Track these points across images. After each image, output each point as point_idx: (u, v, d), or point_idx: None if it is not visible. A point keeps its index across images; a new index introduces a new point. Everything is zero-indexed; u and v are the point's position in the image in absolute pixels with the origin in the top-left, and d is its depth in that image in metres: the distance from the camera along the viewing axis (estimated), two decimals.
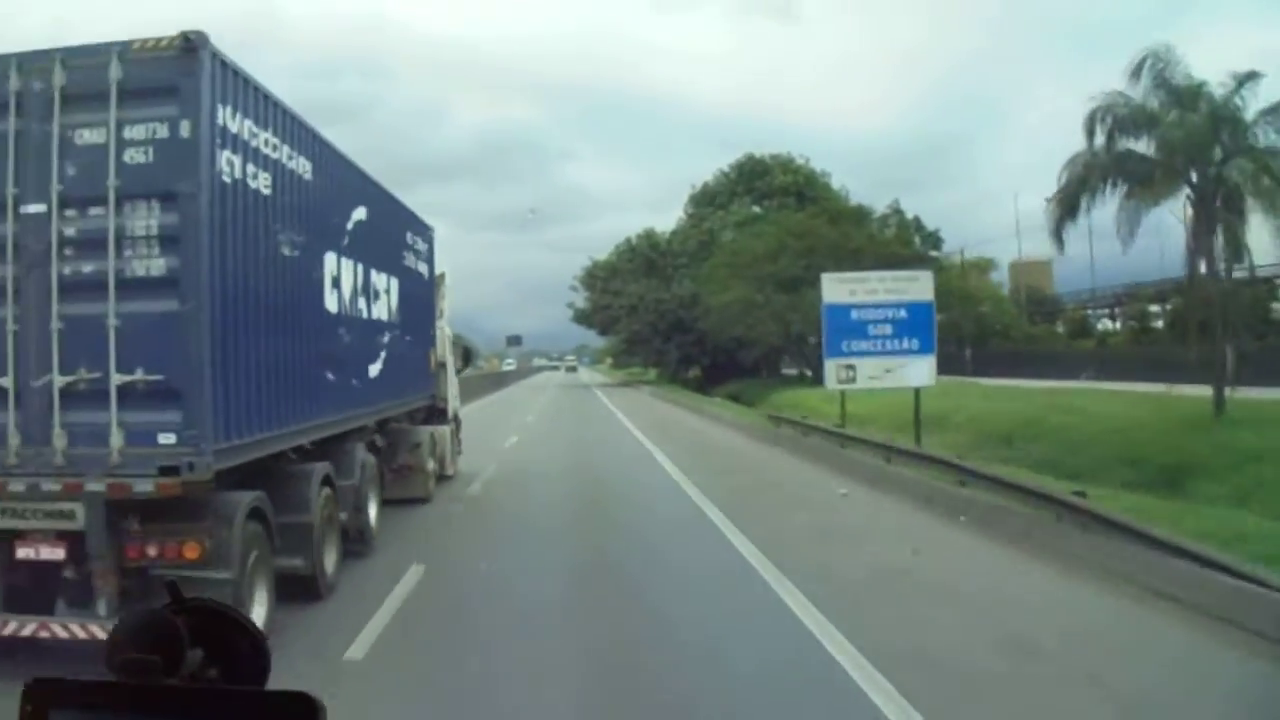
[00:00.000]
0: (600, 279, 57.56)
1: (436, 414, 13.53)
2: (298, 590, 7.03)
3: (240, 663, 1.20)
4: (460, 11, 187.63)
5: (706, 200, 53.98)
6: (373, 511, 9.49)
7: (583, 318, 60.47)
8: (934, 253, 42.15)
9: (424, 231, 12.63)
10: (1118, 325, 43.53)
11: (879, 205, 44.61)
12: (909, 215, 44.46)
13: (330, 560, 7.70)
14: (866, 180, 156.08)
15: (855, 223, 40.29)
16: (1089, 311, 46.97)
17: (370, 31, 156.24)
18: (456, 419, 15.12)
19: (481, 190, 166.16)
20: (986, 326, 40.54)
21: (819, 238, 36.38)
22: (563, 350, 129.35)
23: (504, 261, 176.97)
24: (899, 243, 39.27)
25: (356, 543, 8.82)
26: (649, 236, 57.00)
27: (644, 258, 55.73)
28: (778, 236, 39.09)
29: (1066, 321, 46.64)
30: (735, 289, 38.72)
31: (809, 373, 36.64)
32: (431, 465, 12.66)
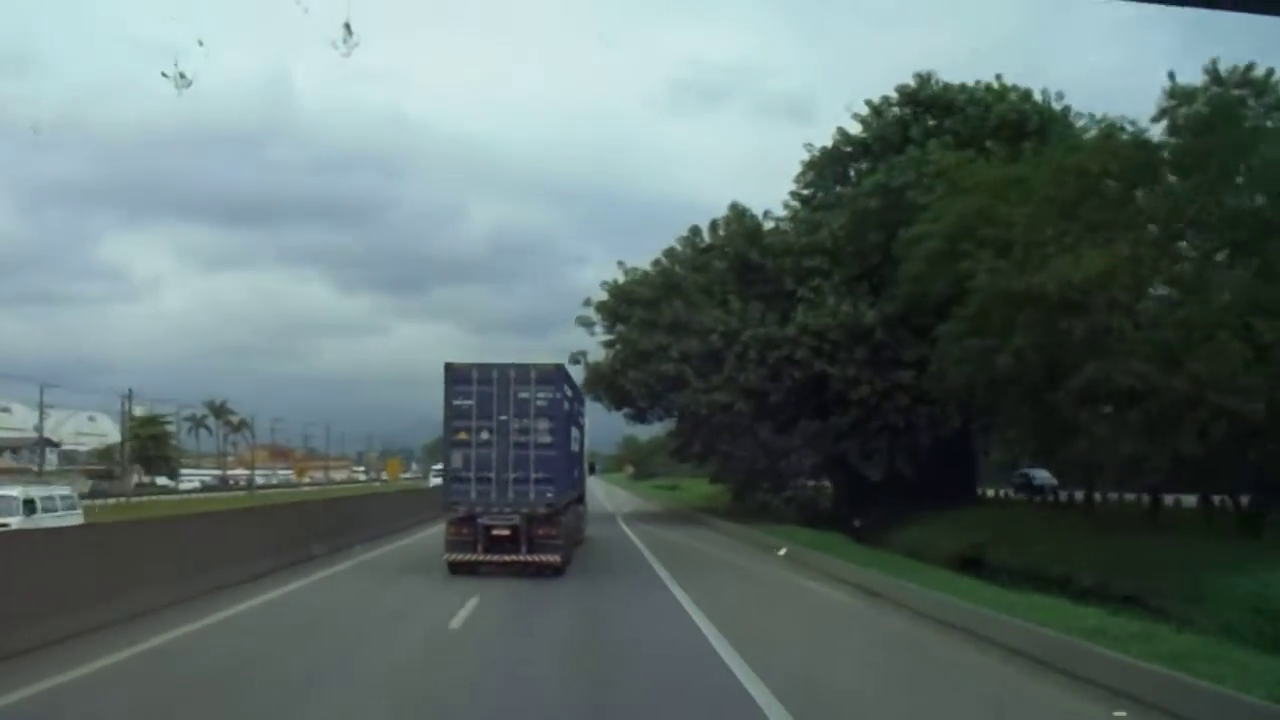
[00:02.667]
0: (636, 303, 31.26)
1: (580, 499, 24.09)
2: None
3: None
4: (480, 113, 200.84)
5: (834, 165, 33.12)
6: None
7: (599, 380, 31.67)
8: None
9: (580, 392, 23.90)
10: None
11: None
12: None
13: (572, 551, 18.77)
14: None
15: None
16: None
17: (389, 126, 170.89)
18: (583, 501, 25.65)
19: (494, 293, 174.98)
20: None
21: None
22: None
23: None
24: None
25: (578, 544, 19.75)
26: (739, 217, 31.92)
27: (730, 257, 30.85)
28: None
29: None
30: (1089, 257, 20.45)
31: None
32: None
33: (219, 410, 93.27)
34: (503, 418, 16.55)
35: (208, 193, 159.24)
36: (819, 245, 30.64)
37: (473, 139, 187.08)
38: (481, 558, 16.41)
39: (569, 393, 18.59)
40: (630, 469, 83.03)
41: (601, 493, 38.90)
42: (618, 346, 32.42)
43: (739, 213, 32.90)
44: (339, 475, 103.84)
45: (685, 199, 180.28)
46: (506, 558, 16.31)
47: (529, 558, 16.31)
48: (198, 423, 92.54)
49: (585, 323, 33.76)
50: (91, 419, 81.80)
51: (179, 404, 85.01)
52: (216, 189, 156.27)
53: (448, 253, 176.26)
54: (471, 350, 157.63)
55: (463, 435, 16.56)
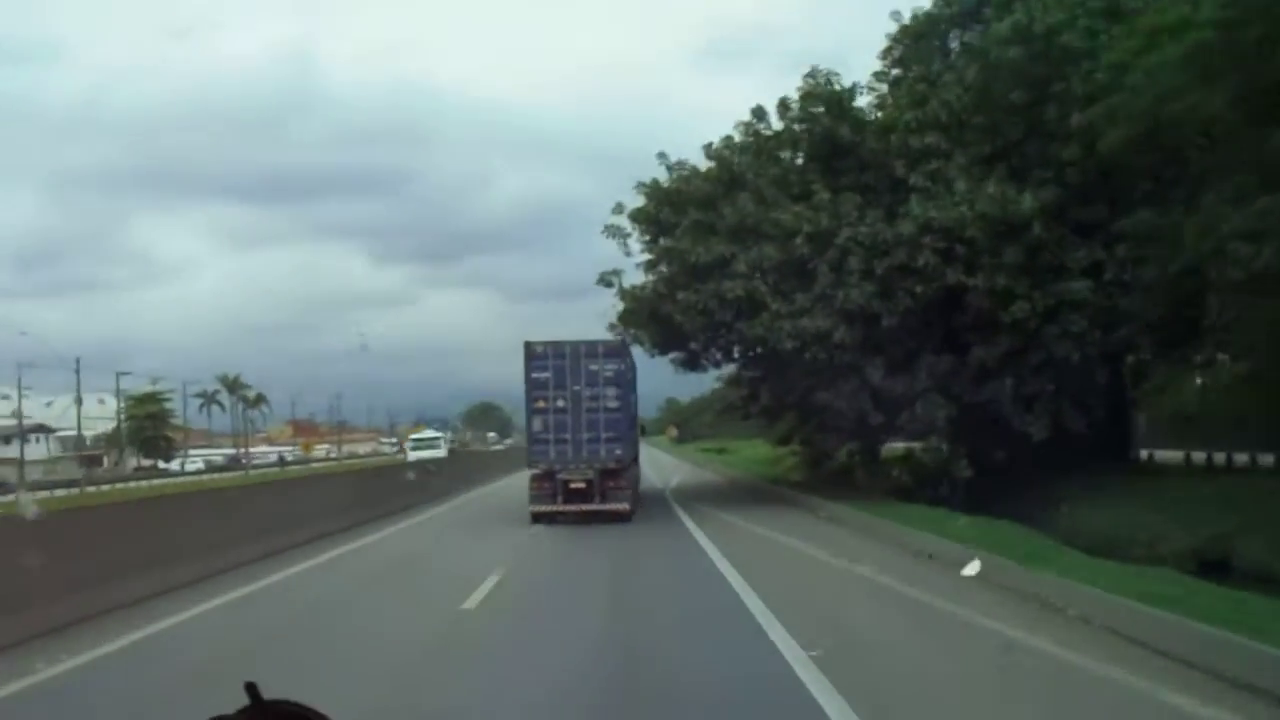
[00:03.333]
0: (688, 202, 23.39)
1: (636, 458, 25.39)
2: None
3: None
4: (505, 78, 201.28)
5: (933, 35, 25.62)
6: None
7: (638, 311, 23.94)
8: None
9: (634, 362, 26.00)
10: None
11: None
12: None
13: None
14: None
15: None
16: None
17: (414, 97, 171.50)
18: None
19: (529, 259, 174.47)
20: None
21: None
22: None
23: (551, 333, 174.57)
24: None
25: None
26: (821, 86, 23.38)
27: (811, 139, 23.47)
28: None
29: None
30: None
31: None
32: None
33: (233, 385, 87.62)
34: (575, 388, 19.22)
35: (236, 172, 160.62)
36: (931, 120, 21.84)
37: (501, 105, 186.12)
38: (560, 508, 19.13)
39: (630, 364, 21.21)
40: (673, 431, 74.87)
41: (644, 458, 29.48)
42: (662, 266, 23.41)
43: (821, 80, 23.24)
44: (364, 448, 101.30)
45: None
46: (583, 507, 19.02)
47: (601, 506, 19.03)
48: (209, 399, 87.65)
49: (616, 234, 24.45)
50: (101, 401, 77.37)
51: (187, 380, 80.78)
52: (245, 168, 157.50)
53: (480, 221, 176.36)
54: (509, 318, 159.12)
55: (541, 404, 19.25)
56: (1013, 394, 21.30)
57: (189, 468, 71.31)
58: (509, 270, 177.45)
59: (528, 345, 19.45)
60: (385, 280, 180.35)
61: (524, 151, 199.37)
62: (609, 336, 21.49)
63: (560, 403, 19.19)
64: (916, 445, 26.15)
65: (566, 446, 19.15)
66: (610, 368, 19.38)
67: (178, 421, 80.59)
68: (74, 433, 70.51)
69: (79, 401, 66.07)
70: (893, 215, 21.42)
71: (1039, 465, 21.45)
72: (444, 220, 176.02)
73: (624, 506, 19.24)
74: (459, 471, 36.60)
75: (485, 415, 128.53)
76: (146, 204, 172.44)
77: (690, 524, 19.10)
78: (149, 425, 75.15)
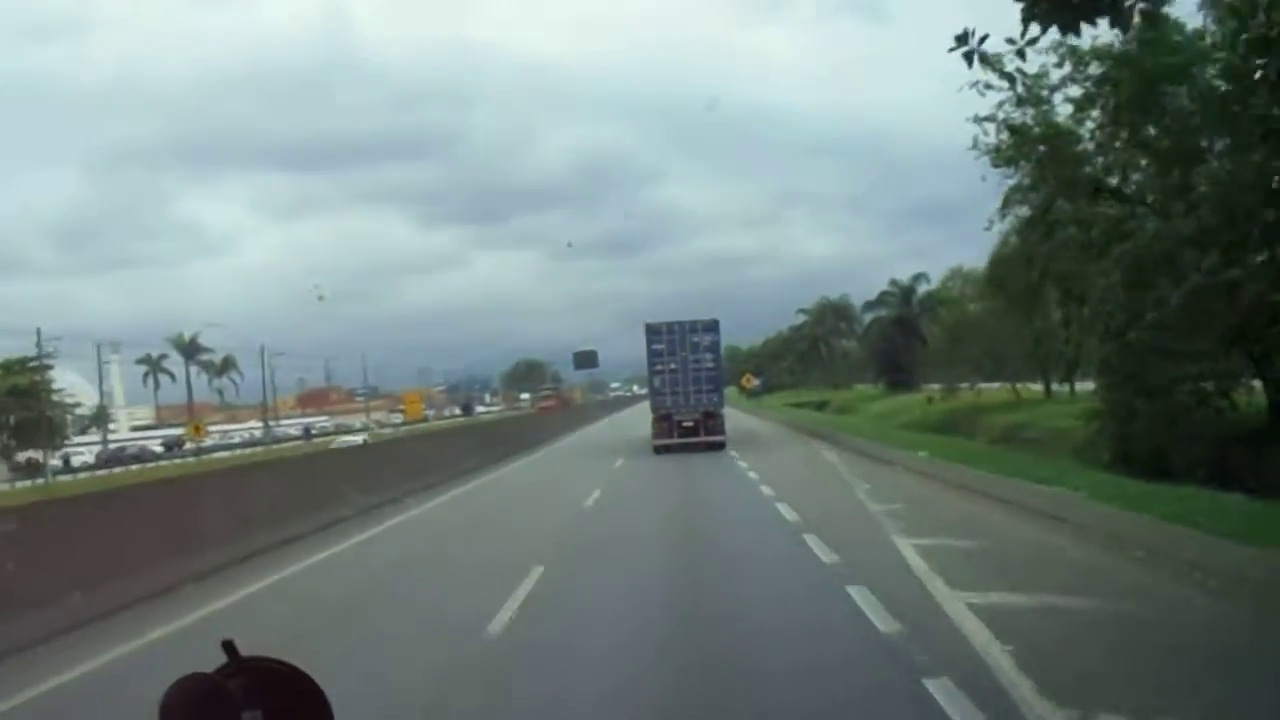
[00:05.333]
0: None
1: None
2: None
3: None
4: (546, 33, 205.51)
5: None
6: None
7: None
8: None
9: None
10: None
11: None
12: None
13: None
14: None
15: None
16: None
17: (454, 56, 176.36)
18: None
19: (576, 216, 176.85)
20: None
21: None
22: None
23: (600, 288, 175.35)
24: None
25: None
26: None
27: None
28: None
29: None
30: None
31: None
32: None
33: (188, 347, 69.91)
34: (683, 354, 27.06)
35: (280, 141, 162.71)
36: None
37: (541, 60, 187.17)
38: (675, 440, 27.03)
39: (719, 336, 29.04)
40: (752, 381, 56.62)
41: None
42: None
43: None
44: (377, 416, 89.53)
45: (761, 107, 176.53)
46: (691, 440, 26.91)
47: (705, 439, 26.92)
48: (155, 365, 70.76)
49: None
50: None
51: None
52: (289, 135, 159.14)
53: (526, 179, 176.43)
54: (555, 275, 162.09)
55: (659, 367, 27.17)
56: None
57: (79, 460, 55.77)
58: (557, 227, 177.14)
59: (648, 326, 27.28)
60: (433, 243, 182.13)
61: (566, 109, 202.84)
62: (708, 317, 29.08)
63: (673, 365, 27.07)
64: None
65: (680, 396, 27.05)
66: (707, 339, 27.21)
67: (62, 398, 56.78)
68: None
69: None
70: None
71: None
72: (490, 179, 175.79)
73: (721, 438, 27.07)
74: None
75: (529, 374, 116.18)
76: (189, 176, 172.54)
77: None
78: (14, 405, 51.64)
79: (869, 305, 69.93)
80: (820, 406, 52.03)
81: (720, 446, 26.93)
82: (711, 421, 27.18)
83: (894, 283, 65.74)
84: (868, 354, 69.24)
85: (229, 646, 1.25)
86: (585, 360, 55.60)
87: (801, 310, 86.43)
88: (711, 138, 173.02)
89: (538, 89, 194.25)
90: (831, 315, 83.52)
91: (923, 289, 63.80)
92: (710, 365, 27.29)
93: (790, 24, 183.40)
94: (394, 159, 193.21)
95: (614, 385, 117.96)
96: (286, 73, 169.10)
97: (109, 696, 6.49)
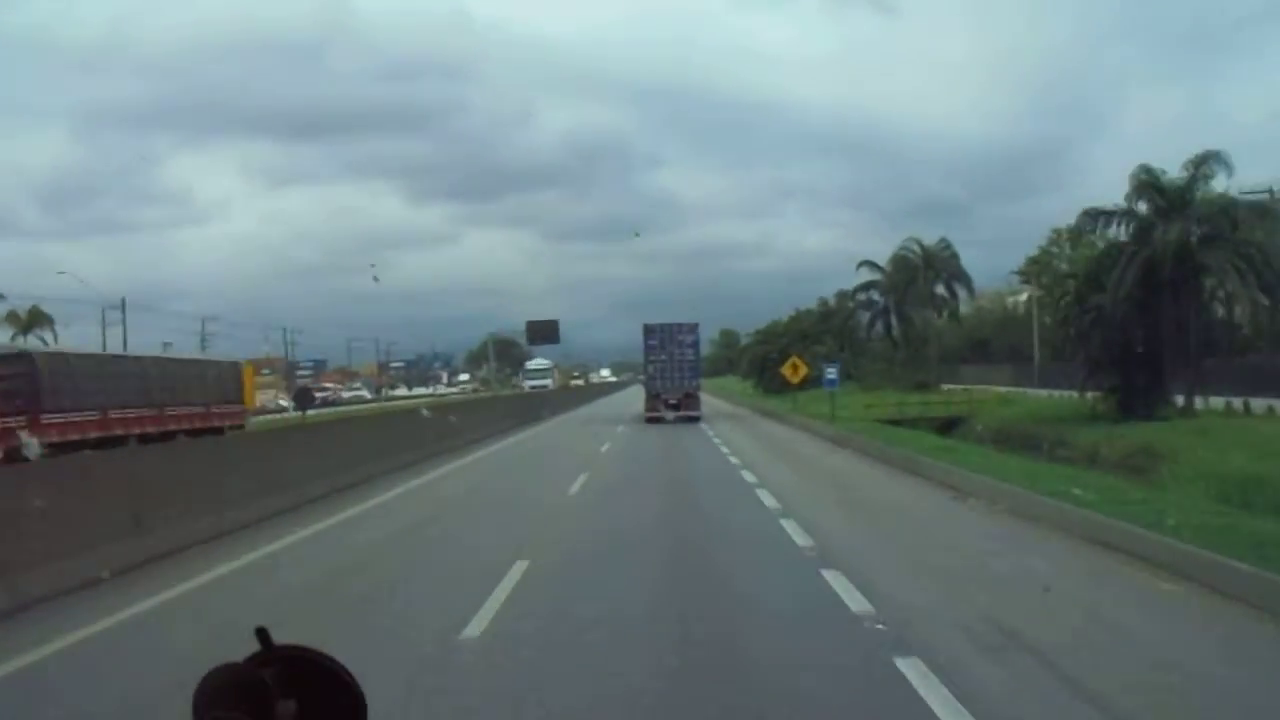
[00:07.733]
0: None
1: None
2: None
3: (335, 711, 1.23)
4: (547, 11, 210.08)
5: None
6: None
7: None
8: None
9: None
10: None
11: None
12: None
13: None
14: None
15: None
16: None
17: (453, 31, 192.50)
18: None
19: (569, 197, 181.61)
20: None
21: None
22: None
23: (592, 272, 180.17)
24: None
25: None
26: None
27: None
28: None
29: None
30: None
31: None
32: None
33: (27, 320, 53.17)
34: (670, 349, 35.69)
35: (270, 106, 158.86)
36: None
37: (541, 39, 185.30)
38: (662, 413, 35.57)
39: (698, 336, 37.62)
40: (800, 368, 35.49)
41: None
42: None
43: None
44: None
45: (760, 97, 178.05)
46: (675, 413, 35.47)
47: (686, 413, 35.51)
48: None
49: None
50: None
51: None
52: (279, 102, 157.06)
53: (520, 158, 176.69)
54: (546, 257, 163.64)
55: (652, 357, 35.77)
56: None
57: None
58: (550, 208, 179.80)
59: (646, 326, 35.87)
60: (423, 219, 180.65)
61: (564, 89, 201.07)
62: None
63: (663, 357, 35.69)
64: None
65: (667, 380, 35.70)
66: (689, 338, 35.94)
67: None
68: None
69: None
70: None
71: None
72: (484, 157, 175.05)
73: (698, 413, 35.70)
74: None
75: (502, 353, 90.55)
76: (177, 141, 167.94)
77: None
78: None
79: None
80: (947, 428, 31.58)
81: (696, 420, 35.60)
82: (690, 400, 35.88)
83: (1147, 172, 31.80)
84: (1070, 336, 35.03)
85: (262, 634, 1.22)
86: (543, 332, 47.42)
87: (866, 262, 58.75)
88: (708, 127, 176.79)
89: (536, 68, 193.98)
90: (925, 268, 55.48)
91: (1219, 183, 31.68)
92: (691, 358, 35.96)
93: (787, 15, 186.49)
94: (385, 131, 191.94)
95: (604, 371, 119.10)
96: (279, 39, 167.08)
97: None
